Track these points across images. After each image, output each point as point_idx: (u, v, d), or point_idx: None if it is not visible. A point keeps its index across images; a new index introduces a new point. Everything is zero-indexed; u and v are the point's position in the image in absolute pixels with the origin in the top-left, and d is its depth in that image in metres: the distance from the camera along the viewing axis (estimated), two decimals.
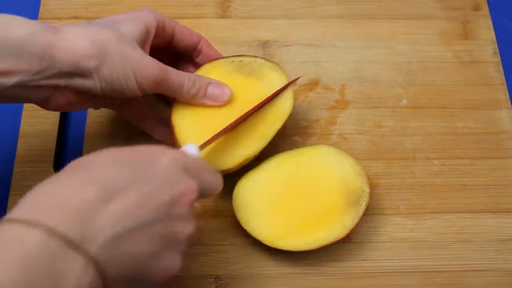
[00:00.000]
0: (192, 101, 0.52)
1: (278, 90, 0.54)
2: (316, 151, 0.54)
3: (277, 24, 0.66)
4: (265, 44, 0.65)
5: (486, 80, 0.64)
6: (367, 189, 0.52)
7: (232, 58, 0.55)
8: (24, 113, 0.60)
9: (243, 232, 0.54)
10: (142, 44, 0.50)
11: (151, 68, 0.48)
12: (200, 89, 0.52)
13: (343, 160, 0.54)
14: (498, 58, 0.65)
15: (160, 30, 0.52)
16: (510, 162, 0.59)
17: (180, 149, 0.46)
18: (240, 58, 0.55)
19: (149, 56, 0.49)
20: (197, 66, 0.57)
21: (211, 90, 0.52)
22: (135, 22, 0.49)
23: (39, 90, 0.47)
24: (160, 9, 0.65)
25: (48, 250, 0.33)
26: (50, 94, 0.48)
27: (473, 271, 0.54)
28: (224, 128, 0.51)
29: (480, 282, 0.54)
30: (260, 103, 0.53)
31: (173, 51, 0.56)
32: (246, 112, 0.52)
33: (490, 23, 0.67)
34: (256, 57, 0.55)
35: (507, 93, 0.63)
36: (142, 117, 0.56)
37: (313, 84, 0.63)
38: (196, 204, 0.56)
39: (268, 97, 0.54)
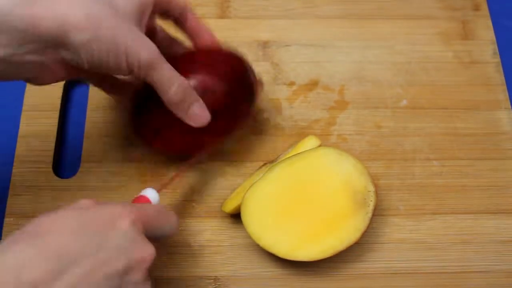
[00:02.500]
0: (171, 107, 0.49)
1: None
2: (317, 153, 0.54)
3: (277, 24, 0.66)
4: (264, 44, 0.65)
5: (486, 81, 0.64)
6: (372, 188, 0.52)
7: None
8: (23, 113, 0.60)
9: (242, 233, 0.54)
10: (138, 21, 0.47)
11: (145, 51, 0.46)
12: (185, 101, 0.49)
13: (345, 160, 0.53)
14: (497, 59, 0.65)
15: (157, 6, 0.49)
16: (510, 163, 0.59)
17: (140, 193, 0.48)
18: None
19: (145, 37, 0.47)
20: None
21: (195, 109, 0.50)
22: None
23: (24, 66, 0.45)
24: None
25: None
26: (37, 71, 0.46)
27: (473, 273, 0.54)
28: (181, 170, 0.52)
29: (480, 284, 0.54)
30: None
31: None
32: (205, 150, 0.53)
33: (490, 23, 0.67)
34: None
35: (507, 94, 0.63)
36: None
37: (313, 84, 0.63)
38: (194, 204, 0.56)
39: None
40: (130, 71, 0.47)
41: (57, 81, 0.48)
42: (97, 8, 0.44)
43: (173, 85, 0.48)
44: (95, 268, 0.38)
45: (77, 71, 0.48)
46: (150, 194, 0.48)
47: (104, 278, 0.38)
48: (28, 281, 0.35)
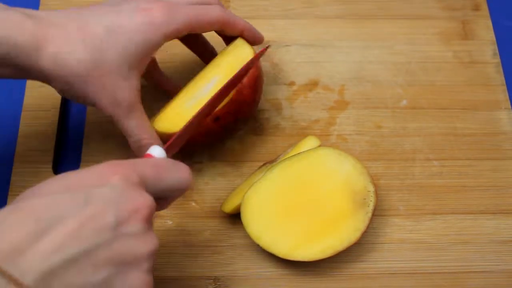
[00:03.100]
0: (133, 149, 0.52)
1: (247, 64, 0.53)
2: (317, 153, 0.54)
3: (277, 24, 0.66)
4: (264, 45, 0.65)
5: (486, 81, 0.64)
6: (372, 188, 0.52)
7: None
8: (23, 114, 0.60)
9: (242, 233, 0.54)
10: (126, 71, 0.49)
11: (109, 107, 0.49)
12: (140, 150, 0.51)
13: (344, 160, 0.53)
14: (497, 59, 0.65)
15: (186, 36, 0.52)
16: (510, 163, 0.59)
17: (146, 153, 0.45)
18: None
19: (117, 89, 0.49)
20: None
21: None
22: (136, 32, 0.48)
23: None
24: None
25: None
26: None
27: (473, 273, 0.54)
28: (189, 123, 0.49)
29: (480, 284, 0.54)
30: (226, 83, 0.51)
31: None
32: (212, 98, 0.51)
33: (490, 23, 0.67)
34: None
35: (507, 94, 0.63)
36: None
37: (313, 84, 0.63)
38: (194, 204, 0.56)
39: (236, 74, 0.52)
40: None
41: None
42: (75, 53, 0.47)
43: (130, 137, 0.51)
44: (81, 224, 0.35)
45: None
46: (155, 151, 0.45)
47: (94, 233, 0.36)
48: (9, 244, 0.33)
